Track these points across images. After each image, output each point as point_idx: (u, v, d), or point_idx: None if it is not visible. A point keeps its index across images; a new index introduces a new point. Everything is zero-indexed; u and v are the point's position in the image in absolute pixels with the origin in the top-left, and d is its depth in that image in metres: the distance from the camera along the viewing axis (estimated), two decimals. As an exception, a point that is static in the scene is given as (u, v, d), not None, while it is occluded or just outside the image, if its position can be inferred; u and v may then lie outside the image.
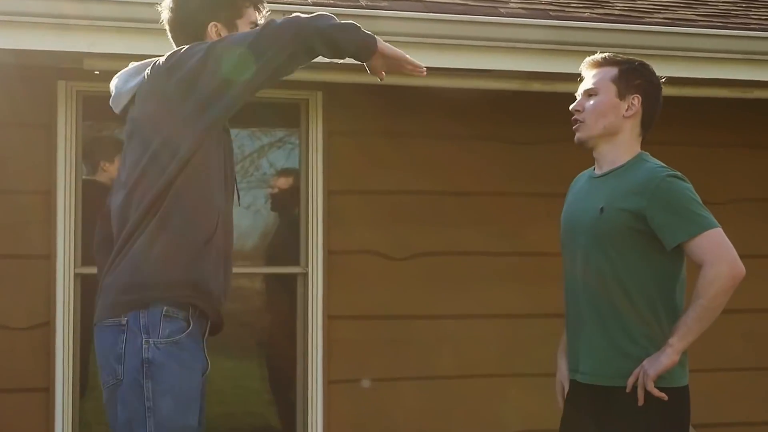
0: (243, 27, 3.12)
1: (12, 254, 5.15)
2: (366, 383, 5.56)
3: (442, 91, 5.53)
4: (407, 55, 3.11)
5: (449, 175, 5.74)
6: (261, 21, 3.17)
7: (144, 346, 2.90)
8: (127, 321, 2.93)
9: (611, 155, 3.43)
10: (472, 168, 5.76)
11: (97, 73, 4.88)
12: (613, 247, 3.31)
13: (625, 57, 3.54)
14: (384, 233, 5.63)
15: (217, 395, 5.60)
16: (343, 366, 5.54)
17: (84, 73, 4.96)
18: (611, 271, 3.31)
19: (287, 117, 5.62)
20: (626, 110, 3.40)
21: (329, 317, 5.53)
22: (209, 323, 3.09)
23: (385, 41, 5.17)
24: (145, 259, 2.93)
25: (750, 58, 5.46)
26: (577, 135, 3.46)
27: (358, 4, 5.13)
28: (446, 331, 5.68)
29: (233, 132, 5.46)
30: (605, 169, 3.44)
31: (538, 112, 5.79)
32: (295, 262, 5.59)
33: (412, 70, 3.15)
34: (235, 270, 5.56)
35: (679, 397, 3.31)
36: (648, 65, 3.53)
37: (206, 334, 3.10)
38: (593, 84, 3.44)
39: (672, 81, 5.49)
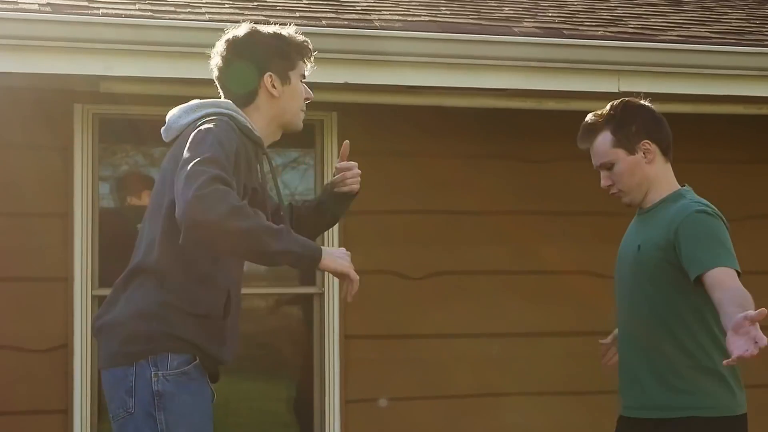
0: (294, 78, 3.15)
1: (30, 277, 5.16)
2: (383, 402, 5.55)
3: (456, 110, 5.55)
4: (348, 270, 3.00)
5: (464, 194, 5.73)
6: (308, 72, 3.21)
7: (153, 379, 2.91)
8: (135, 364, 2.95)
9: (651, 196, 3.44)
10: (486, 187, 5.76)
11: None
12: (650, 282, 3.30)
13: (603, 111, 3.45)
14: (400, 252, 5.63)
15: (234, 416, 5.59)
16: (360, 385, 5.53)
17: (99, 95, 4.98)
18: (650, 306, 3.30)
19: (303, 137, 5.61)
20: (645, 158, 3.40)
21: (346, 337, 5.53)
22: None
23: (398, 62, 5.21)
24: (149, 313, 2.94)
25: (766, 75, 5.45)
26: (624, 202, 3.48)
27: (372, 25, 5.14)
28: (463, 349, 5.67)
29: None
30: (647, 207, 3.46)
31: (552, 130, 5.78)
32: (312, 282, 5.59)
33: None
34: (252, 291, 5.61)
35: (732, 428, 3.23)
36: (628, 102, 3.48)
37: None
38: (603, 159, 3.43)
39: (687, 98, 5.50)
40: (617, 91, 5.28)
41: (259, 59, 3.10)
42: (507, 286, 5.73)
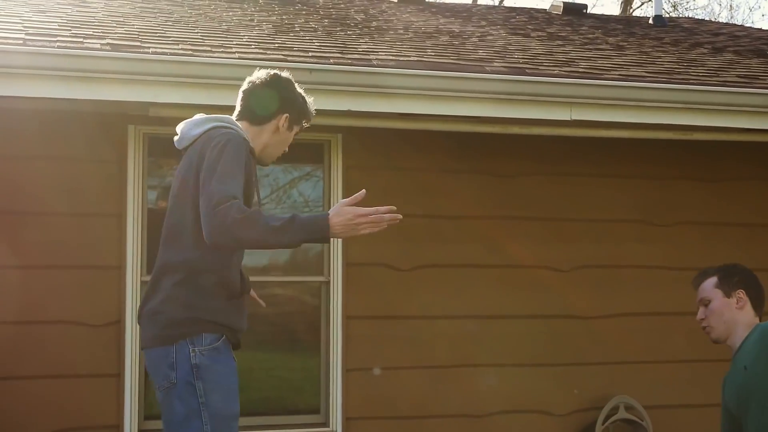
0: (292, 131, 3.27)
1: (90, 265, 5.17)
2: (377, 371, 5.56)
3: (439, 133, 5.55)
4: (359, 219, 3.07)
5: (445, 202, 5.74)
6: (298, 133, 3.33)
7: (191, 354, 2.96)
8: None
9: (735, 338, 3.42)
10: (463, 195, 5.77)
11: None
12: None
13: (721, 265, 3.54)
14: (392, 249, 5.63)
15: (255, 382, 5.59)
16: (358, 357, 5.53)
17: (149, 119, 4.98)
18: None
19: (313, 155, 5.65)
20: (736, 303, 3.41)
21: (347, 317, 5.54)
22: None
23: (391, 93, 5.23)
24: (185, 303, 3.00)
25: (690, 107, 5.47)
26: (711, 338, 3.47)
27: (371, 63, 5.17)
28: (442, 328, 5.67)
29: (267, 168, 5.54)
30: (736, 348, 3.42)
31: (517, 150, 5.81)
32: (320, 272, 5.60)
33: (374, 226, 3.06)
34: (271, 279, 5.61)
35: None
36: (738, 264, 3.53)
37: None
38: (704, 295, 3.47)
39: (627, 125, 5.54)
40: (569, 119, 5.31)
41: (287, 101, 3.22)
42: (479, 277, 5.73)
